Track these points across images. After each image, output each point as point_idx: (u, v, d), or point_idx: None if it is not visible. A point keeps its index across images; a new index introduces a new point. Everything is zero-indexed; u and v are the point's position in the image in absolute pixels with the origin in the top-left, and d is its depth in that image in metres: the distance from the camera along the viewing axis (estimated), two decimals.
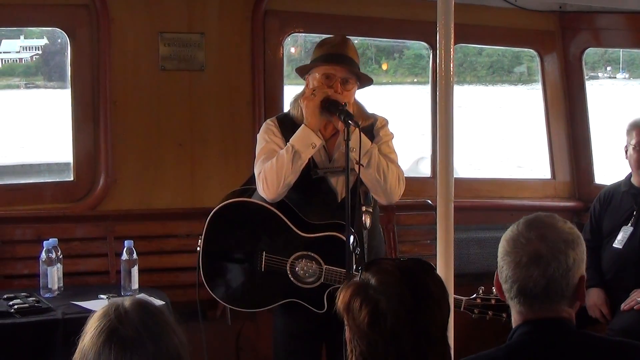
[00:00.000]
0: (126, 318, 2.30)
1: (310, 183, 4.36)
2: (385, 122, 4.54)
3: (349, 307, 2.45)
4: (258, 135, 4.52)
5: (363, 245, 4.32)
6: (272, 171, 4.28)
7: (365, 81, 4.46)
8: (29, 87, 16.39)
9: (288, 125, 4.44)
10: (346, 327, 2.48)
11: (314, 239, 4.33)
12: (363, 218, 4.34)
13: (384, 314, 2.40)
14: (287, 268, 4.33)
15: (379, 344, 2.40)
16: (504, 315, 4.19)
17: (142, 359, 2.25)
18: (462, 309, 4.35)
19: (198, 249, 4.45)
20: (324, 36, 4.87)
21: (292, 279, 4.34)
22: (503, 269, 2.70)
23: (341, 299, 2.48)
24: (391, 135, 4.53)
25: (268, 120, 4.56)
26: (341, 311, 2.48)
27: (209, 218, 4.44)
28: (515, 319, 2.73)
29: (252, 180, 4.63)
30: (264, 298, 4.44)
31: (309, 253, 4.33)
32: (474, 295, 4.33)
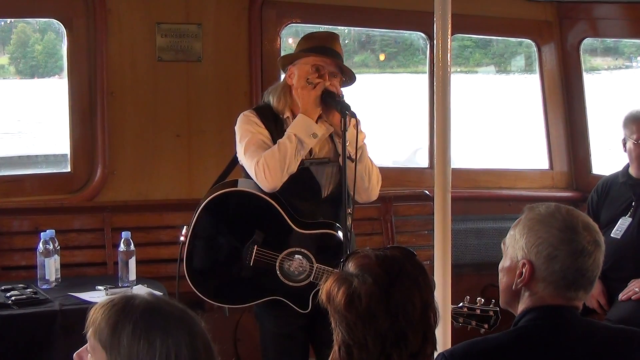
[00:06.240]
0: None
1: (294, 175, 4.28)
2: (357, 121, 4.48)
3: (329, 295, 2.48)
4: (238, 127, 4.40)
5: (353, 246, 4.29)
6: (274, 159, 4.19)
7: (349, 78, 4.44)
8: None
9: (269, 117, 4.38)
10: (331, 319, 2.50)
11: (308, 236, 4.28)
12: (348, 220, 4.31)
13: (358, 293, 2.43)
14: (277, 264, 4.28)
15: (358, 325, 2.43)
16: (486, 326, 4.23)
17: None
18: None
19: (182, 238, 4.36)
20: (321, 27, 4.87)
21: (279, 275, 4.27)
22: (553, 256, 2.67)
23: (324, 290, 2.51)
24: (364, 134, 4.47)
25: (246, 112, 4.45)
26: (324, 302, 2.50)
27: (201, 208, 4.32)
28: (526, 304, 2.73)
29: (226, 175, 4.58)
30: (248, 294, 4.34)
31: (302, 250, 4.28)
32: (461, 304, 4.33)
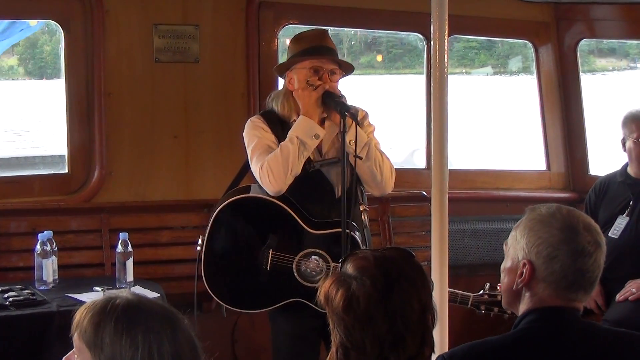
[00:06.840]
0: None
1: (305, 177, 4.32)
2: (365, 114, 4.52)
3: (328, 297, 2.47)
4: (245, 134, 4.46)
5: (366, 243, 4.31)
6: (277, 162, 4.22)
7: (347, 70, 4.46)
8: None
9: (275, 121, 4.41)
10: (329, 319, 2.50)
11: (322, 236, 4.30)
12: (363, 216, 4.33)
13: (357, 296, 2.43)
14: (294, 266, 4.30)
15: (356, 328, 2.43)
16: (509, 311, 4.24)
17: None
18: (469, 305, 4.35)
19: (198, 248, 4.39)
20: (319, 28, 4.86)
21: (297, 277, 4.30)
22: (553, 256, 2.68)
23: (322, 290, 2.51)
24: (374, 127, 4.50)
25: (253, 118, 4.50)
26: (322, 302, 2.50)
27: (214, 216, 4.37)
28: (527, 305, 2.73)
29: (238, 181, 4.59)
30: (268, 298, 4.38)
31: (317, 250, 4.30)
32: (481, 292, 4.33)
